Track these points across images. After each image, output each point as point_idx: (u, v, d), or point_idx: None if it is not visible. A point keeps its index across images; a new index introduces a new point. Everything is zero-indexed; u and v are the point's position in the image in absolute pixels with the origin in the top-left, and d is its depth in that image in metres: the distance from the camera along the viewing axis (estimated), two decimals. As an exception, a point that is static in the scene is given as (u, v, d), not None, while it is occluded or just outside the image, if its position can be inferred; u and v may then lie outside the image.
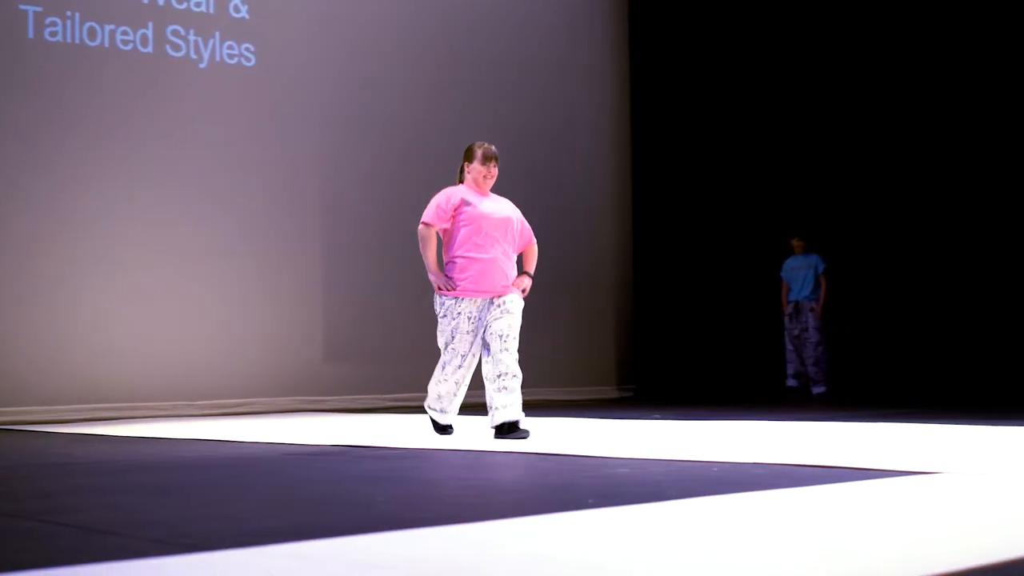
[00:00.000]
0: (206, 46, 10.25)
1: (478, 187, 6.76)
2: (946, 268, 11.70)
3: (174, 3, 10.11)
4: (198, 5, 10.24)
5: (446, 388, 6.73)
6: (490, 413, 6.50)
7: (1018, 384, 11.00)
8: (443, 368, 6.70)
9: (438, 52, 11.44)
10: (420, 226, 6.67)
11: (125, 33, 9.90)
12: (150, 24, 9.99)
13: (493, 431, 6.50)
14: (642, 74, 12.90)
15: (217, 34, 10.31)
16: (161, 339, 9.86)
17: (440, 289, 6.60)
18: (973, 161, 11.63)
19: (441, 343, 6.70)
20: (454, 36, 11.53)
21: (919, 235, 11.89)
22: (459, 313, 6.59)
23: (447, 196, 6.71)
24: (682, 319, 13.03)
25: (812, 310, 11.71)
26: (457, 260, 6.63)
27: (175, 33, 10.10)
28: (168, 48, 10.07)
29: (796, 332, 11.80)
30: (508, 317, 6.56)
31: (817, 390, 11.63)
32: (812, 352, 11.68)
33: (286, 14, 10.66)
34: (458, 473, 4.96)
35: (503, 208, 6.81)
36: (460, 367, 6.67)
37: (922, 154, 11.90)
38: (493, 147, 6.79)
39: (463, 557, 2.90)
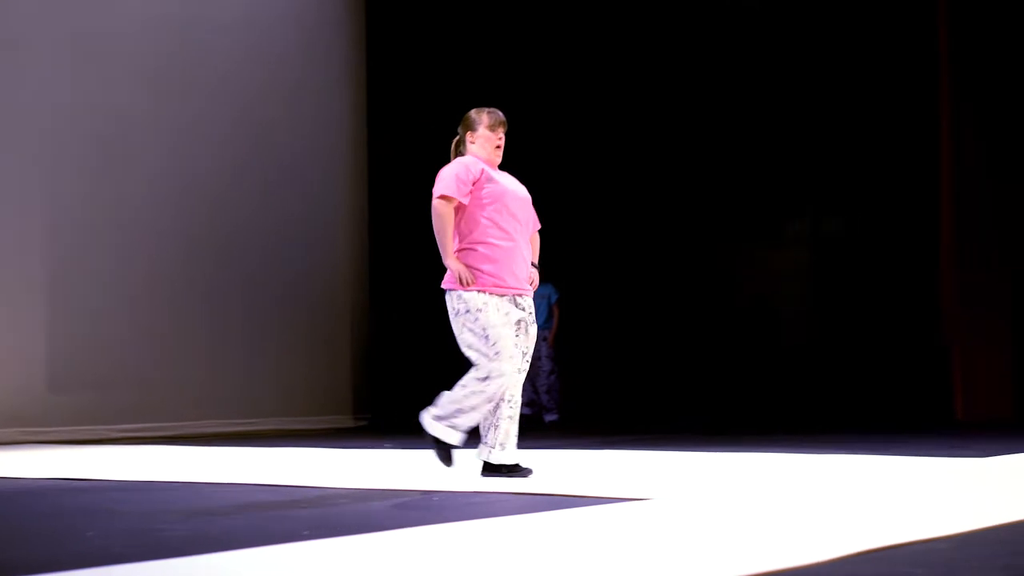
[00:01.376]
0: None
1: (488, 160, 5.75)
2: (679, 297, 12.11)
3: None
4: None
5: (482, 411, 5.50)
6: (487, 444, 5.66)
7: (743, 410, 11.45)
8: (485, 378, 5.44)
9: (167, 70, 11.11)
10: (437, 201, 5.59)
11: None
12: None
13: (483, 466, 5.69)
14: (378, 93, 12.86)
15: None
16: None
17: (462, 283, 5.53)
18: (701, 194, 12.08)
19: (480, 350, 5.47)
20: (186, 53, 11.22)
21: (649, 265, 12.27)
22: (485, 303, 5.53)
23: (465, 166, 5.64)
24: (420, 344, 13.02)
25: (545, 339, 11.93)
26: (477, 248, 5.58)
27: None
28: None
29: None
30: (533, 330, 5.72)
31: (549, 418, 11.85)
32: (545, 380, 11.89)
33: (10, 31, 10.27)
34: (175, 506, 4.87)
35: (519, 185, 5.81)
36: (516, 372, 5.54)
37: (653, 182, 12.28)
38: (499, 112, 5.82)
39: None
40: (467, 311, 5.51)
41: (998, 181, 11.04)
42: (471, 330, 5.51)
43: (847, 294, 11.53)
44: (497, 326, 5.49)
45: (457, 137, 5.86)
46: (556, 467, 6.38)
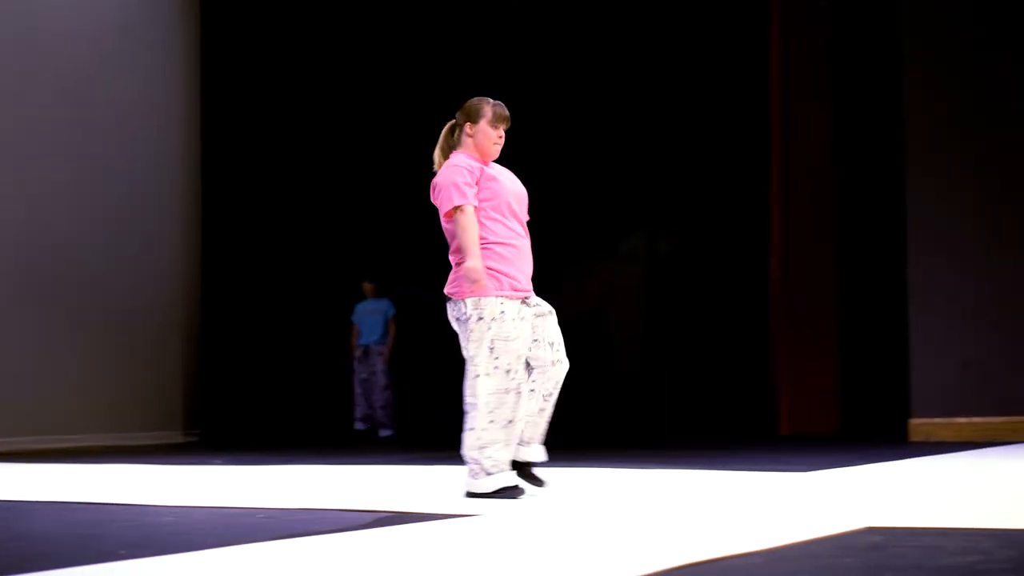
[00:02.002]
0: None
1: (483, 156, 5.34)
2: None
3: None
4: None
5: (515, 431, 5.13)
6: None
7: (571, 423, 11.54)
8: (501, 406, 5.08)
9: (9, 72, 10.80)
10: (458, 212, 5.11)
11: None
12: None
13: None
14: (212, 103, 12.70)
15: None
16: None
17: (475, 287, 5.07)
18: (536, 209, 12.15)
19: (481, 365, 5.10)
20: (18, 63, 10.92)
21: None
22: (503, 312, 5.13)
23: (464, 169, 5.21)
24: (252, 359, 12.88)
25: (381, 354, 11.90)
26: (493, 247, 5.16)
27: None
28: None
29: (365, 375, 11.96)
30: (553, 317, 5.35)
31: (384, 433, 11.82)
32: (380, 396, 11.87)
33: None
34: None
35: (516, 180, 5.45)
36: (528, 392, 5.23)
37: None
38: (504, 106, 5.36)
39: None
40: (480, 319, 5.08)
41: (826, 201, 11.35)
42: (478, 340, 5.09)
43: (679, 311, 11.73)
44: (508, 340, 5.09)
45: (453, 121, 5.41)
46: (388, 483, 6.36)
